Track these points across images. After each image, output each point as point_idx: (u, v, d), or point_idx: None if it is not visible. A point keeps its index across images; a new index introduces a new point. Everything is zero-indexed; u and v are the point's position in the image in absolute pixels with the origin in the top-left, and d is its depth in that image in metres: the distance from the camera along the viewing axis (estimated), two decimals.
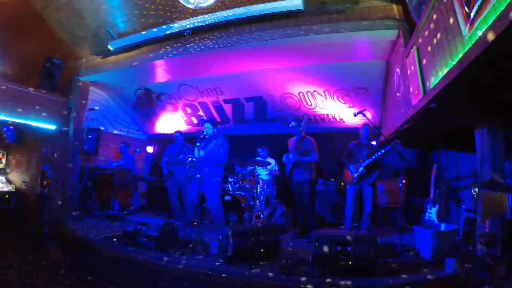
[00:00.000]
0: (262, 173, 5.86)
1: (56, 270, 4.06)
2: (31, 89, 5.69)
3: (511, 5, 1.44)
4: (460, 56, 2.10)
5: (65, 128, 6.11)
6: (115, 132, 7.56)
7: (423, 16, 2.96)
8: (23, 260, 4.44)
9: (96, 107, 6.71)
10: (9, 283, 3.63)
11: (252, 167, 5.80)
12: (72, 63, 6.42)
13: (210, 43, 5.06)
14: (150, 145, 8.30)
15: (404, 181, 3.75)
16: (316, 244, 2.95)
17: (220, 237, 3.65)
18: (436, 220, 4.09)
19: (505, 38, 1.53)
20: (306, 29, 4.46)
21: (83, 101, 6.44)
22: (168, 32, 5.28)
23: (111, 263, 3.76)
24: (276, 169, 5.98)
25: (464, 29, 2.02)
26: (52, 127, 6.04)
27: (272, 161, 5.92)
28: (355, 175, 4.45)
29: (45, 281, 3.72)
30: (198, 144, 4.25)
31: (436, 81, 2.63)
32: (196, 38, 5.22)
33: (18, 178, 6.78)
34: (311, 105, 6.22)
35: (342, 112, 6.17)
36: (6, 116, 5.33)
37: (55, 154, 6.08)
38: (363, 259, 2.80)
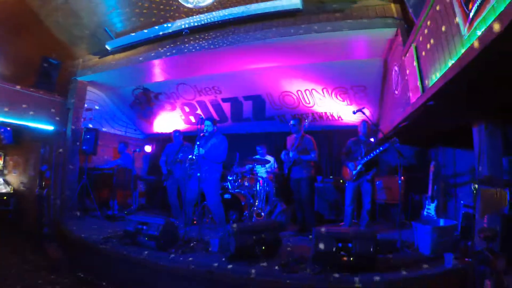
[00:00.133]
0: (261, 171, 5.88)
1: (56, 271, 4.06)
2: (28, 89, 5.64)
3: (510, 6, 1.47)
4: (459, 55, 2.13)
5: (64, 129, 6.09)
6: (113, 132, 7.54)
7: (421, 15, 2.98)
8: (23, 260, 4.42)
9: (96, 107, 6.69)
10: (9, 283, 3.62)
11: (251, 165, 5.83)
12: (70, 63, 6.39)
13: (208, 42, 5.06)
14: (148, 144, 8.29)
15: (402, 178, 3.79)
16: (317, 241, 2.98)
17: (221, 235, 3.67)
18: (434, 216, 4.14)
19: (504, 38, 1.55)
20: (305, 28, 4.47)
21: (81, 101, 6.40)
22: (166, 31, 5.27)
23: (111, 263, 3.76)
24: (275, 167, 6.02)
25: (464, 28, 2.04)
26: (49, 127, 6.01)
27: (271, 159, 5.95)
28: (354, 172, 4.49)
29: (45, 281, 3.71)
30: (198, 142, 4.26)
31: (435, 80, 2.66)
32: (194, 37, 5.21)
33: (16, 179, 6.74)
34: (309, 103, 6.24)
35: (341, 110, 6.20)
36: (2, 117, 5.29)
37: (53, 155, 6.06)
38: (363, 256, 2.84)
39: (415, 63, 3.24)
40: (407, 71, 3.60)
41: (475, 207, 2.89)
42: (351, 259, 2.84)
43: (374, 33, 4.30)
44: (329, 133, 6.70)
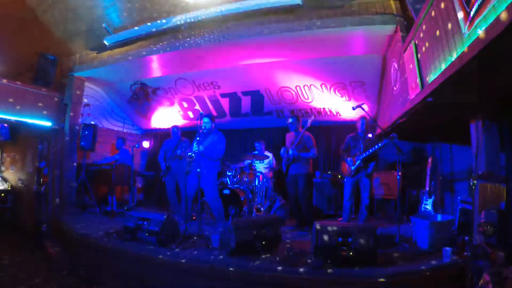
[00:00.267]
0: (260, 166, 5.91)
1: (56, 268, 4.07)
2: (25, 85, 5.60)
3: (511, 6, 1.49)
4: (459, 52, 2.15)
5: (61, 125, 6.06)
6: (111, 127, 7.51)
7: (421, 13, 3.00)
8: (21, 258, 4.43)
9: (96, 102, 6.65)
10: (8, 281, 3.63)
11: (250, 161, 5.85)
12: (67, 58, 6.34)
13: (207, 37, 5.03)
14: (146, 140, 8.27)
15: (400, 173, 3.84)
16: (318, 235, 3.01)
17: (222, 230, 3.69)
18: (432, 211, 4.20)
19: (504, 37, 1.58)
20: (305, 23, 4.47)
21: (79, 97, 6.37)
22: (164, 26, 5.24)
23: (111, 259, 3.76)
24: (274, 162, 6.05)
25: (464, 27, 2.06)
26: (47, 123, 5.97)
27: (269, 154, 5.98)
28: (353, 168, 4.53)
29: (45, 279, 3.72)
30: (198, 138, 4.27)
31: (435, 76, 2.69)
32: (193, 32, 5.20)
33: (13, 176, 6.70)
34: (308, 98, 6.26)
35: (339, 105, 6.23)
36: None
37: (51, 151, 6.03)
38: (363, 250, 2.88)
39: (414, 60, 3.26)
40: (406, 68, 3.62)
41: (473, 202, 2.94)
42: (351, 253, 2.88)
43: (373, 29, 4.31)
44: (327, 129, 6.72)
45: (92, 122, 6.31)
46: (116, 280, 3.67)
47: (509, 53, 1.77)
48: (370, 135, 4.74)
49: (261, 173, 5.48)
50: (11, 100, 5.39)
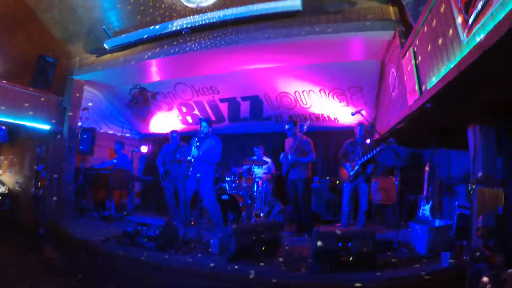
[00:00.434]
0: (259, 172, 5.91)
1: (54, 272, 4.04)
2: (24, 88, 5.59)
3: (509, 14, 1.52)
4: (458, 59, 2.18)
5: (60, 128, 6.04)
6: (110, 131, 7.50)
7: (420, 19, 3.04)
8: (19, 262, 4.39)
9: (95, 106, 6.65)
10: (7, 284, 3.60)
11: (248, 166, 5.86)
12: (66, 61, 6.34)
13: (207, 42, 5.06)
14: (144, 144, 8.25)
15: (398, 178, 3.86)
16: (318, 240, 3.02)
17: (221, 235, 3.68)
18: (430, 216, 4.22)
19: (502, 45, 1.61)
20: (305, 29, 4.51)
21: (78, 100, 6.36)
22: (164, 31, 5.27)
23: (110, 264, 3.74)
24: (273, 168, 6.05)
25: (463, 34, 2.10)
26: (46, 127, 5.95)
27: (268, 160, 5.99)
28: (351, 173, 4.56)
29: (43, 283, 3.69)
30: (197, 143, 4.29)
31: (433, 83, 2.72)
32: (193, 37, 5.22)
33: (11, 179, 6.67)
34: (306, 104, 6.29)
35: (337, 111, 6.26)
36: None
37: (50, 154, 6.01)
38: (363, 255, 2.89)
39: (413, 66, 3.31)
40: (405, 74, 3.67)
41: (471, 207, 2.96)
42: (351, 258, 2.89)
43: (372, 35, 4.36)
44: (325, 134, 6.74)
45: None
46: (115, 285, 3.63)
47: (507, 61, 1.80)
48: (368, 141, 4.78)
49: (260, 178, 5.49)
50: (9, 102, 5.36)
